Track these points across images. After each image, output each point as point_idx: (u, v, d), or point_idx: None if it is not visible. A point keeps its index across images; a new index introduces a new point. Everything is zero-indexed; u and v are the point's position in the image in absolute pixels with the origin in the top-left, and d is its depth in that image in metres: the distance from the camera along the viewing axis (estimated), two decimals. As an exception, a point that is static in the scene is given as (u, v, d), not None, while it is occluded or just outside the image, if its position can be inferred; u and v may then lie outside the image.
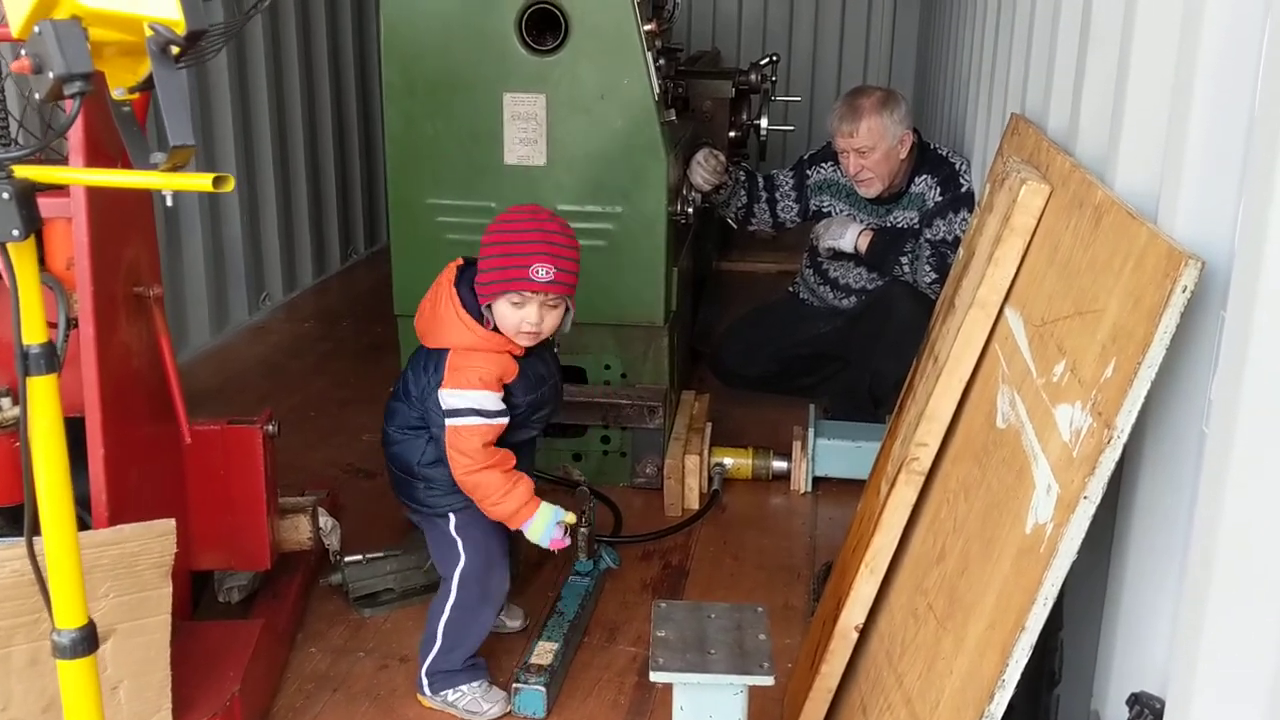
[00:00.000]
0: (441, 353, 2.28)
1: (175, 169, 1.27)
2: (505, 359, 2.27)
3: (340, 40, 5.71)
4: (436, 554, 2.44)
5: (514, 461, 2.30)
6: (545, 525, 2.30)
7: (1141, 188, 1.68)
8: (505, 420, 2.27)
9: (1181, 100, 1.49)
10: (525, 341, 2.26)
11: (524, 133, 3.22)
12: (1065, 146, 2.09)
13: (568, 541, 2.35)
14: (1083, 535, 1.36)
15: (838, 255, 3.71)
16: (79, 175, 1.68)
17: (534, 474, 2.88)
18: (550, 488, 3.37)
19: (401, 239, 3.37)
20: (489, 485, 2.26)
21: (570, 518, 2.34)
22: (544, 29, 3.17)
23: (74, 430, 1.93)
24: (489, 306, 2.24)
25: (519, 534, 2.35)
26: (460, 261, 2.35)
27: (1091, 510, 1.35)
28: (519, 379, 2.30)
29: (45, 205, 1.91)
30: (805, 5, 7.45)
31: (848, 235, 3.63)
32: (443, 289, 2.30)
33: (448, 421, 2.25)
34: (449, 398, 2.25)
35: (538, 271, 2.18)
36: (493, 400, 2.25)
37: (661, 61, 3.39)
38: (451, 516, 2.35)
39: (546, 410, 2.41)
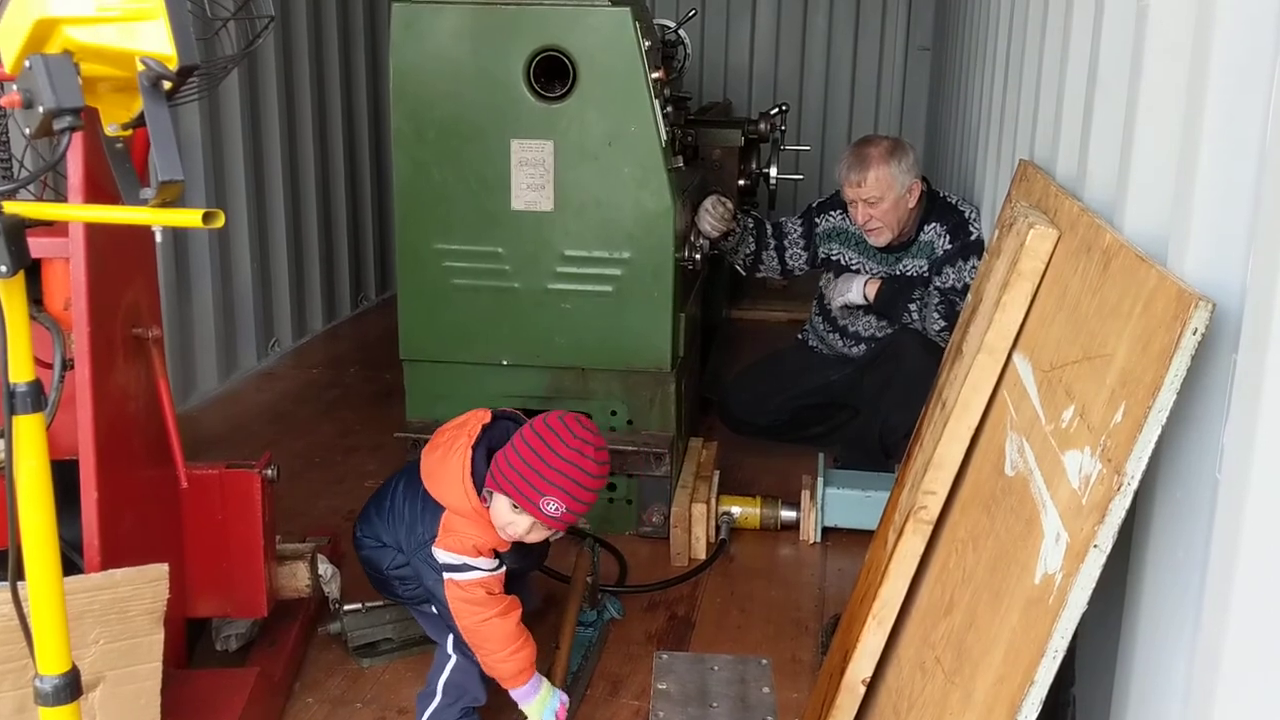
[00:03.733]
0: (440, 508, 2.27)
1: (165, 204, 1.25)
2: (494, 540, 2.26)
3: (354, 86, 5.76)
4: (426, 626, 2.44)
5: (520, 611, 2.26)
6: (545, 706, 2.27)
7: (1150, 231, 1.65)
8: (504, 570, 2.27)
9: (1190, 142, 1.47)
10: (506, 538, 2.24)
11: (531, 179, 3.22)
12: (1073, 191, 2.07)
13: None
14: (1093, 586, 1.32)
15: (850, 306, 3.68)
16: (66, 211, 1.67)
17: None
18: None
19: (409, 284, 3.36)
20: (497, 638, 2.21)
21: (565, 704, 2.30)
22: (552, 76, 3.18)
23: (68, 473, 1.91)
24: (489, 491, 2.22)
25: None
26: (488, 416, 2.32)
27: (1102, 560, 1.31)
28: (509, 550, 2.30)
29: (44, 245, 1.93)
30: (816, 55, 7.51)
31: (855, 287, 3.61)
32: (461, 442, 2.26)
33: (446, 576, 2.24)
34: (443, 555, 2.24)
35: (548, 504, 2.16)
36: (486, 562, 2.26)
37: (670, 109, 3.39)
38: (434, 605, 2.34)
39: (528, 568, 2.45)
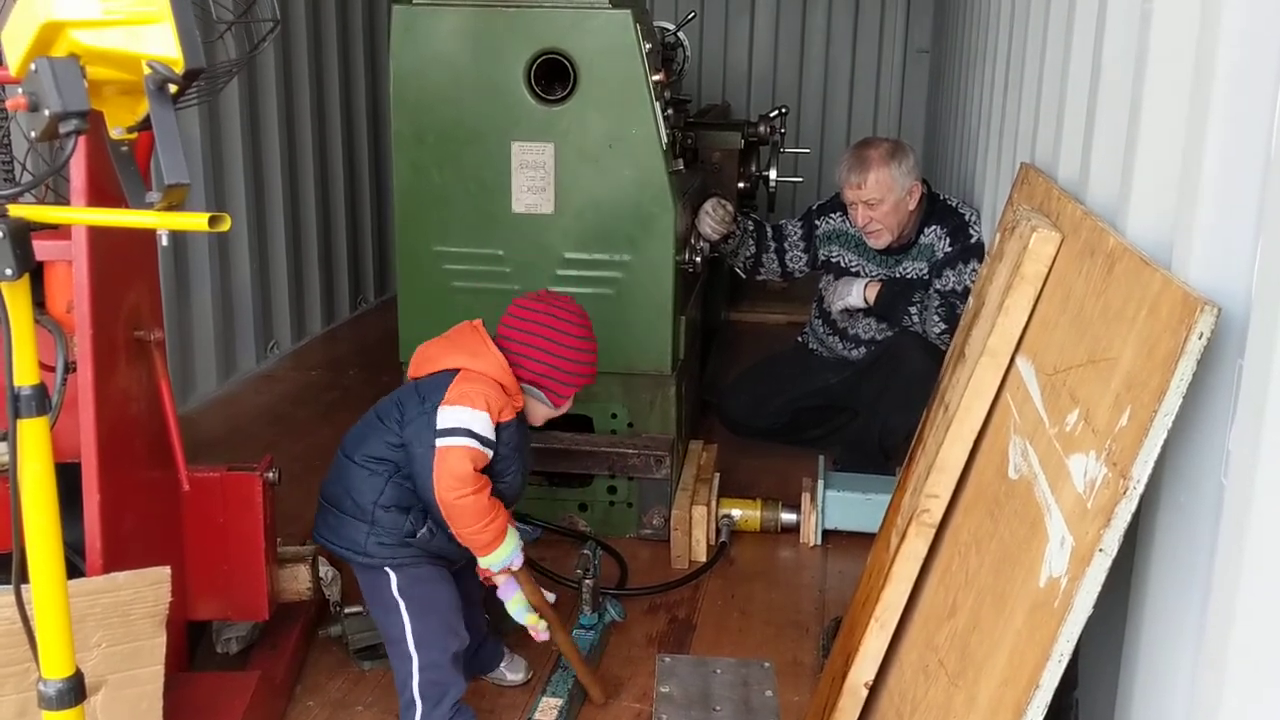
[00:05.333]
0: (448, 374, 2.28)
1: (171, 208, 1.25)
2: (508, 400, 2.29)
3: (353, 89, 5.75)
4: (378, 613, 2.33)
5: (490, 488, 2.25)
6: (506, 554, 2.25)
7: (1154, 234, 1.65)
8: (492, 453, 2.25)
9: (1194, 144, 1.47)
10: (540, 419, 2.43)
11: (532, 181, 3.22)
12: (1076, 195, 2.07)
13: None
14: (1098, 589, 1.32)
15: (850, 309, 3.68)
16: (72, 214, 1.67)
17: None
18: (555, 539, 3.34)
19: (409, 287, 3.36)
20: (473, 511, 2.20)
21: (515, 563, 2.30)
22: (552, 79, 3.18)
23: (70, 476, 1.91)
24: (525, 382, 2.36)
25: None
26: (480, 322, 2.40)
27: (1107, 564, 1.31)
28: (510, 427, 2.30)
29: (46, 248, 1.93)
30: (815, 58, 7.51)
31: (854, 291, 3.61)
32: (467, 331, 2.36)
33: (440, 441, 2.21)
34: (449, 413, 2.22)
35: (575, 393, 2.44)
36: (488, 426, 2.23)
37: (670, 112, 3.39)
38: (392, 575, 2.27)
39: (511, 478, 2.36)
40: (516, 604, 2.33)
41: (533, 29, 3.13)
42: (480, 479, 2.22)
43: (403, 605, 2.28)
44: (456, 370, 2.29)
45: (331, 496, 2.32)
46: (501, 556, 2.26)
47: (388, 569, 2.27)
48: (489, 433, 2.24)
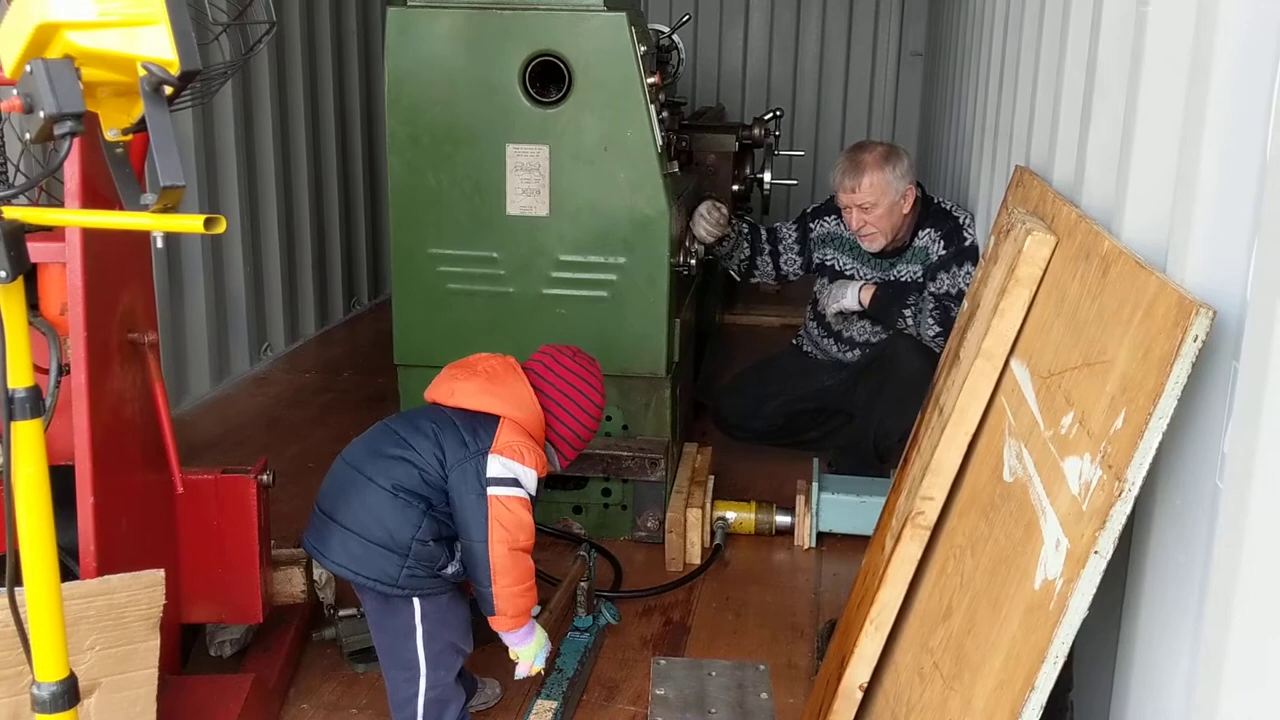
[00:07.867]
0: (490, 418, 2.23)
1: (166, 210, 1.25)
2: (544, 458, 2.28)
3: (347, 91, 5.75)
4: (388, 637, 2.25)
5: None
6: (540, 648, 2.25)
7: (1150, 237, 1.66)
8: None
9: (1190, 147, 1.47)
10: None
11: (527, 183, 3.22)
12: (1071, 198, 2.07)
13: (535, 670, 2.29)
14: (1093, 591, 1.32)
15: (844, 312, 3.68)
16: (67, 216, 1.67)
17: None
18: (550, 541, 3.34)
19: (403, 288, 3.36)
20: (522, 570, 2.15)
21: (541, 663, 2.28)
22: (547, 81, 3.18)
23: (64, 478, 1.90)
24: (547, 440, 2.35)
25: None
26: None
27: (1103, 565, 1.31)
28: (542, 484, 2.29)
29: (40, 250, 1.92)
30: (809, 61, 7.52)
31: (849, 293, 3.61)
32: (505, 372, 2.30)
33: (495, 490, 2.14)
34: (502, 463, 2.16)
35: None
36: (534, 484, 2.21)
37: (665, 114, 3.39)
38: (417, 604, 2.19)
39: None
40: (532, 650, 2.27)
41: (528, 31, 3.13)
42: (531, 533, 2.18)
43: (420, 630, 2.21)
44: (496, 416, 2.24)
45: (355, 522, 2.16)
46: (535, 649, 2.24)
47: (415, 599, 2.20)
48: (533, 490, 2.22)
